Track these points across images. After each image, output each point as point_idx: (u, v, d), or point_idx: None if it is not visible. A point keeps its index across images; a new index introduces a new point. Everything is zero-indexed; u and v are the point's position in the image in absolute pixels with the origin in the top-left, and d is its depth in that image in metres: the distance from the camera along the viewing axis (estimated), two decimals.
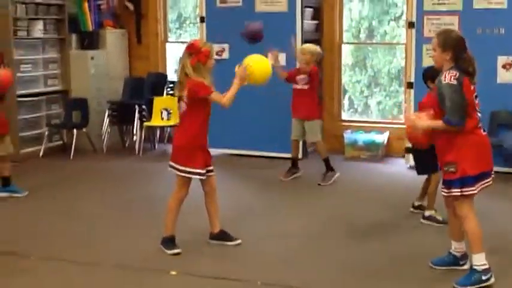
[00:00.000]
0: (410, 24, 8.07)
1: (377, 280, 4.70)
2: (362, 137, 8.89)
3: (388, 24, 9.71)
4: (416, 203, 6.22)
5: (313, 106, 7.49)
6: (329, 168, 7.52)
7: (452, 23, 7.66)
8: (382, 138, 8.85)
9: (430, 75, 5.72)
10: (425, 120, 4.53)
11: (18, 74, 8.81)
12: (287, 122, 7.67)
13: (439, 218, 5.82)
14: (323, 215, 6.28)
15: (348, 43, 9.64)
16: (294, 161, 7.73)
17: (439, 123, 4.41)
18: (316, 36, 9.02)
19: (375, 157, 8.73)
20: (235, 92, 5.12)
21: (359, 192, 7.14)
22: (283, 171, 7.71)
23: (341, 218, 6.18)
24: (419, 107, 5.80)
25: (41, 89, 9.27)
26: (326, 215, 6.28)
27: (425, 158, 5.69)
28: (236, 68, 5.20)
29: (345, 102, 9.78)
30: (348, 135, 8.96)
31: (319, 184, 7.39)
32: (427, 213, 5.95)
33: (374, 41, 9.80)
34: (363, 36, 9.85)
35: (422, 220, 5.95)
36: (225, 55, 8.65)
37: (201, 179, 5.24)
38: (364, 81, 9.88)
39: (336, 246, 5.43)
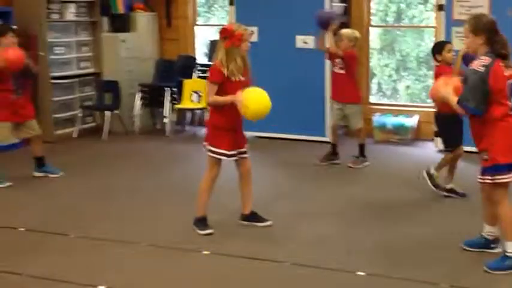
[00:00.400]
0: (440, 7, 8.03)
1: (407, 263, 4.75)
2: (391, 121, 8.84)
3: (416, 7, 9.67)
4: (448, 186, 6.24)
5: (353, 90, 7.42)
6: (362, 154, 7.55)
7: (482, 5, 7.61)
8: (411, 121, 8.80)
9: (436, 49, 6.23)
10: (448, 89, 4.51)
11: (52, 57, 8.96)
12: (318, 106, 7.65)
13: (459, 190, 6.06)
14: (353, 198, 6.33)
15: (376, 26, 9.59)
16: (334, 147, 7.65)
17: (454, 101, 4.40)
18: (344, 19, 9.01)
19: (404, 140, 8.71)
20: (222, 103, 5.12)
21: (389, 176, 7.15)
22: (314, 154, 7.71)
23: (371, 202, 6.23)
24: (435, 73, 6.16)
25: (74, 71, 9.40)
26: (356, 198, 6.33)
27: (449, 129, 5.99)
28: (239, 93, 5.04)
29: (373, 86, 9.76)
30: (377, 119, 8.91)
31: (349, 166, 7.44)
32: (448, 186, 6.13)
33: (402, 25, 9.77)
34: (390, 20, 9.81)
35: (444, 193, 6.12)
36: (254, 38, 8.65)
37: (236, 161, 5.33)
38: (392, 65, 9.85)
39: (366, 229, 5.49)
